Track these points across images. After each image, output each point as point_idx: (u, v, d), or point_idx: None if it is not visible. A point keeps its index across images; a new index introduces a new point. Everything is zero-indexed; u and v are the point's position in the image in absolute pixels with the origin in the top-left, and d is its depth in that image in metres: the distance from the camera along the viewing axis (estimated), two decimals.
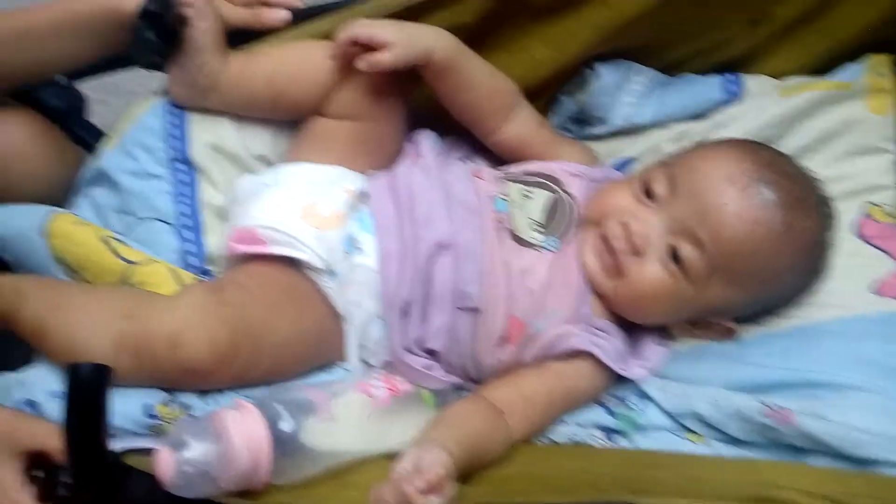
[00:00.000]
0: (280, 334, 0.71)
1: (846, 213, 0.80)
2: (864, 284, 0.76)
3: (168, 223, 0.79)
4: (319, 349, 0.75)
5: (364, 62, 0.74)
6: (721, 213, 0.70)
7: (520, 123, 0.82)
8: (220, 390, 0.71)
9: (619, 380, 0.76)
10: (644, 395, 0.75)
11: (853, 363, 0.71)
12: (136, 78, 0.84)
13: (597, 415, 0.76)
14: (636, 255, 0.73)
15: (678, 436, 0.73)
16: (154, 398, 0.68)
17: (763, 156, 0.74)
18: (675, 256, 0.72)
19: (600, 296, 0.76)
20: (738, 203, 0.70)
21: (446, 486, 0.59)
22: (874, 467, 0.65)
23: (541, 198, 0.78)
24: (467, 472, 0.62)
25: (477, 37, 0.82)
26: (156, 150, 0.80)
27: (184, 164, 0.81)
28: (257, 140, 0.83)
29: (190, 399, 0.70)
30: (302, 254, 0.73)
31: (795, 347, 0.74)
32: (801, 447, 0.68)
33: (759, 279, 0.73)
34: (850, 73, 0.84)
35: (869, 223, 0.80)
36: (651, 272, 0.72)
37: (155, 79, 0.82)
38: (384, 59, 0.73)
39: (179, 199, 0.80)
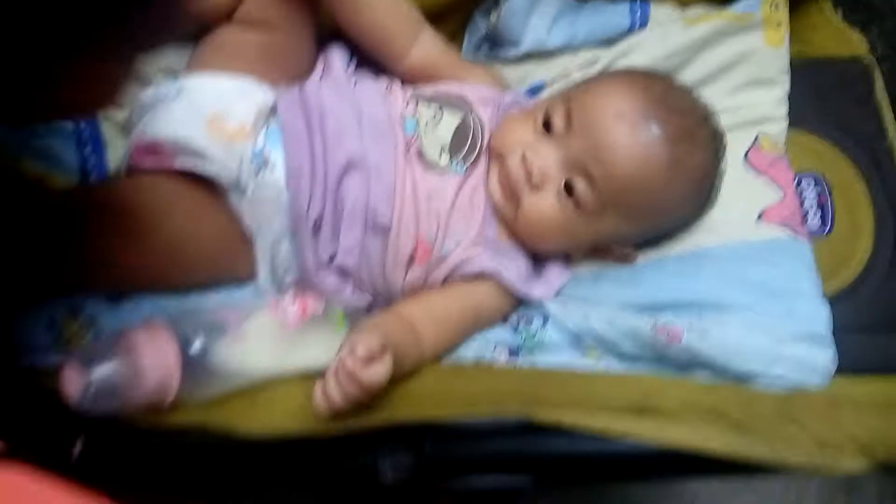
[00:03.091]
0: (176, 231, 0.70)
1: (738, 144, 0.83)
2: (750, 212, 0.81)
3: (67, 137, 0.76)
4: (226, 261, 0.75)
5: None
6: (612, 152, 0.72)
7: (425, 47, 0.82)
8: (124, 298, 0.70)
9: (524, 300, 0.79)
10: (546, 315, 0.79)
11: (736, 285, 0.76)
12: None
13: (502, 333, 0.79)
14: (534, 188, 0.75)
15: (577, 352, 0.77)
16: (59, 311, 0.67)
17: (656, 90, 0.75)
18: (569, 191, 0.74)
19: (504, 221, 0.78)
20: (627, 141, 0.72)
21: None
22: (750, 380, 0.71)
23: (450, 121, 0.79)
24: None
25: None
26: None
27: None
28: (162, 51, 0.80)
29: (96, 310, 0.69)
30: (209, 167, 0.72)
31: (685, 270, 0.78)
32: (687, 362, 0.72)
33: (650, 212, 0.76)
34: (749, 5, 0.87)
35: (758, 153, 0.84)
36: (546, 205, 0.75)
37: None
38: None
39: None
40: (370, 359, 0.60)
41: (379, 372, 0.60)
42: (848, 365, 0.72)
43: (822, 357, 0.71)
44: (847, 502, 1.28)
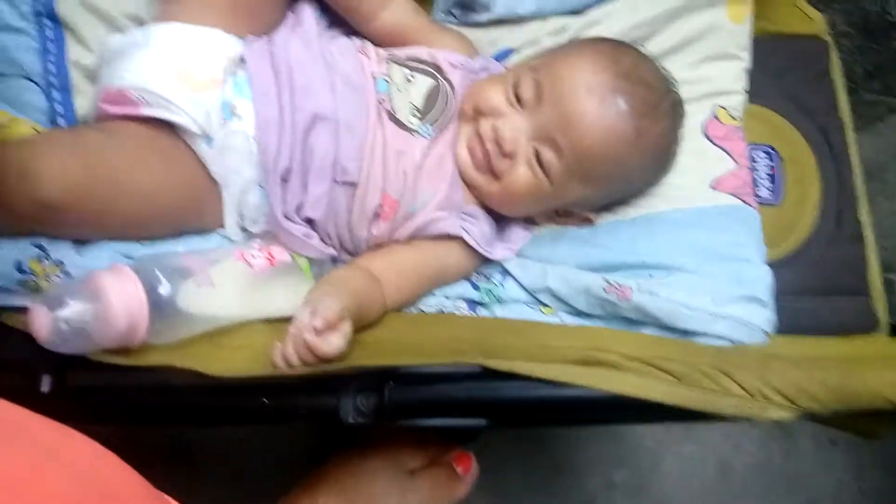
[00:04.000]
0: (142, 182, 0.70)
1: (697, 115, 0.86)
2: (704, 180, 0.84)
3: (34, 82, 0.76)
4: (193, 210, 0.75)
5: None
6: (579, 124, 0.74)
7: (396, 11, 0.82)
8: (91, 242, 0.71)
9: (486, 259, 0.81)
10: (506, 272, 0.82)
11: (685, 249, 0.79)
12: None
13: (463, 288, 0.81)
14: (506, 157, 0.76)
15: (533, 308, 0.81)
16: (26, 253, 0.68)
17: (623, 63, 0.77)
18: (538, 160, 0.76)
19: (470, 186, 0.80)
20: (595, 114, 0.74)
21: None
22: (692, 337, 0.74)
23: (422, 84, 0.80)
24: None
25: None
26: (18, 3, 0.76)
27: (49, 20, 0.77)
28: None
29: (63, 254, 0.69)
30: (177, 117, 0.72)
31: (639, 234, 0.81)
32: (636, 319, 0.76)
33: (612, 179, 0.79)
34: None
35: (715, 124, 0.87)
36: (521, 175, 0.77)
37: None
38: None
39: (46, 57, 0.76)
40: (328, 329, 0.62)
41: (334, 344, 0.62)
42: (787, 325, 0.76)
43: (761, 318, 0.75)
44: (782, 449, 1.35)
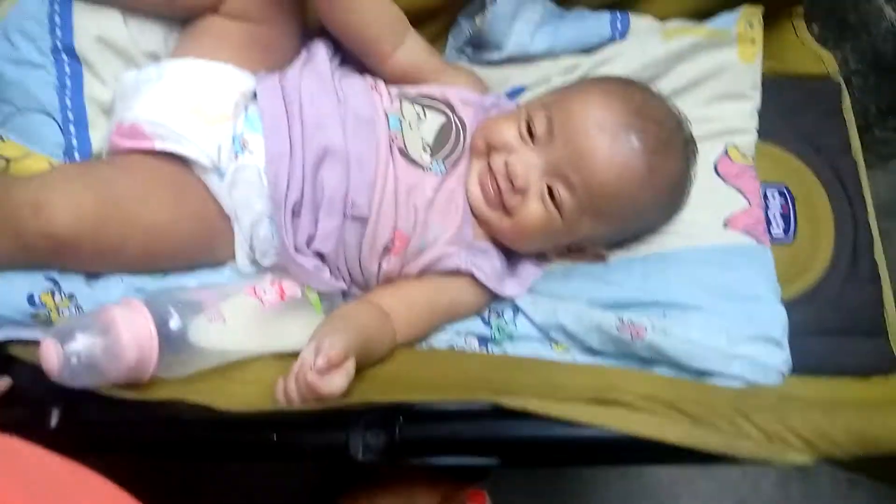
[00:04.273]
0: (154, 216, 0.71)
1: (709, 153, 0.86)
2: (717, 218, 0.83)
3: (52, 116, 0.76)
4: (204, 244, 0.76)
5: None
6: (592, 162, 0.74)
7: (410, 51, 0.83)
8: (103, 276, 0.71)
9: (497, 295, 0.81)
10: (517, 308, 0.81)
11: (699, 287, 0.78)
12: None
13: (474, 324, 0.81)
14: (518, 193, 0.76)
15: (545, 345, 0.80)
16: (38, 286, 0.68)
17: (635, 100, 0.77)
18: (551, 196, 0.76)
19: (481, 221, 0.80)
20: (607, 152, 0.74)
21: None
22: (707, 377, 0.73)
23: (433, 121, 0.80)
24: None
25: None
26: (37, 39, 0.77)
27: (68, 56, 0.78)
28: (148, 35, 0.81)
29: (75, 287, 0.70)
30: (188, 150, 0.72)
31: (652, 271, 0.81)
32: (650, 358, 0.75)
33: (625, 216, 0.79)
34: (726, 21, 0.89)
35: (727, 163, 0.87)
36: (533, 211, 0.76)
37: None
38: None
39: (63, 92, 0.77)
40: (330, 368, 0.62)
41: (336, 383, 0.62)
42: (802, 365, 0.75)
43: (777, 358, 0.74)
44: (801, 489, 1.32)
